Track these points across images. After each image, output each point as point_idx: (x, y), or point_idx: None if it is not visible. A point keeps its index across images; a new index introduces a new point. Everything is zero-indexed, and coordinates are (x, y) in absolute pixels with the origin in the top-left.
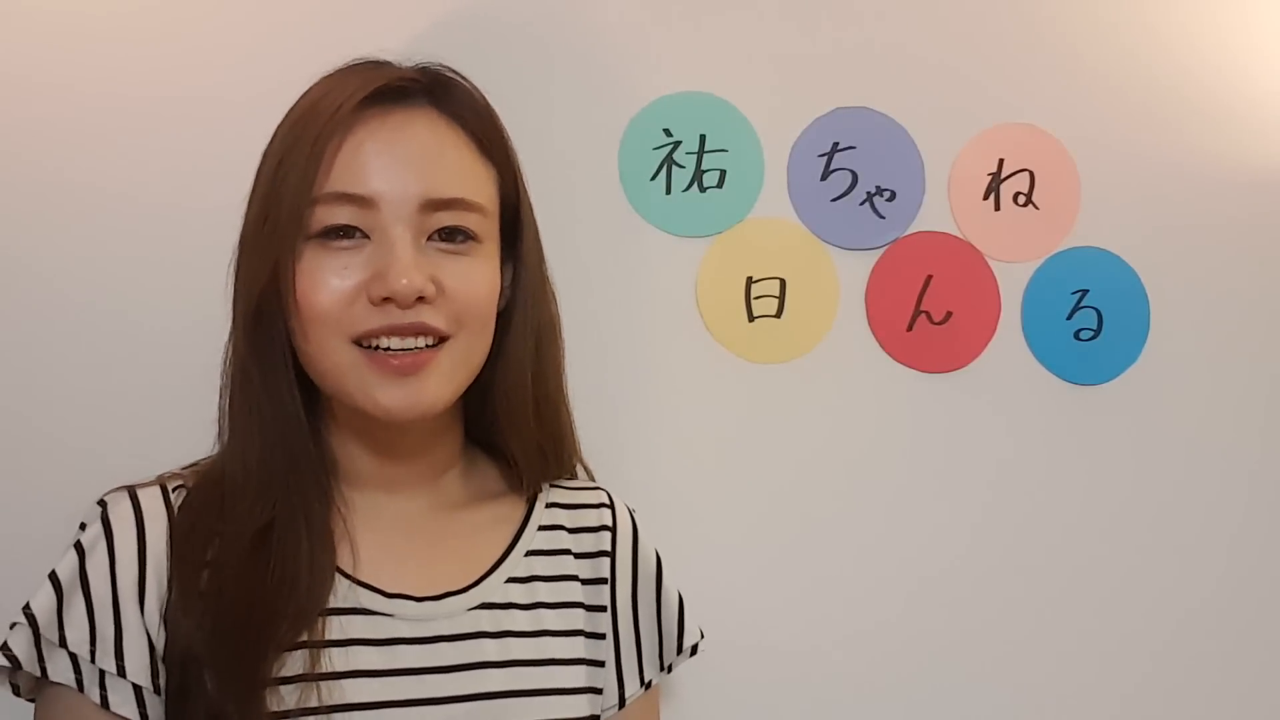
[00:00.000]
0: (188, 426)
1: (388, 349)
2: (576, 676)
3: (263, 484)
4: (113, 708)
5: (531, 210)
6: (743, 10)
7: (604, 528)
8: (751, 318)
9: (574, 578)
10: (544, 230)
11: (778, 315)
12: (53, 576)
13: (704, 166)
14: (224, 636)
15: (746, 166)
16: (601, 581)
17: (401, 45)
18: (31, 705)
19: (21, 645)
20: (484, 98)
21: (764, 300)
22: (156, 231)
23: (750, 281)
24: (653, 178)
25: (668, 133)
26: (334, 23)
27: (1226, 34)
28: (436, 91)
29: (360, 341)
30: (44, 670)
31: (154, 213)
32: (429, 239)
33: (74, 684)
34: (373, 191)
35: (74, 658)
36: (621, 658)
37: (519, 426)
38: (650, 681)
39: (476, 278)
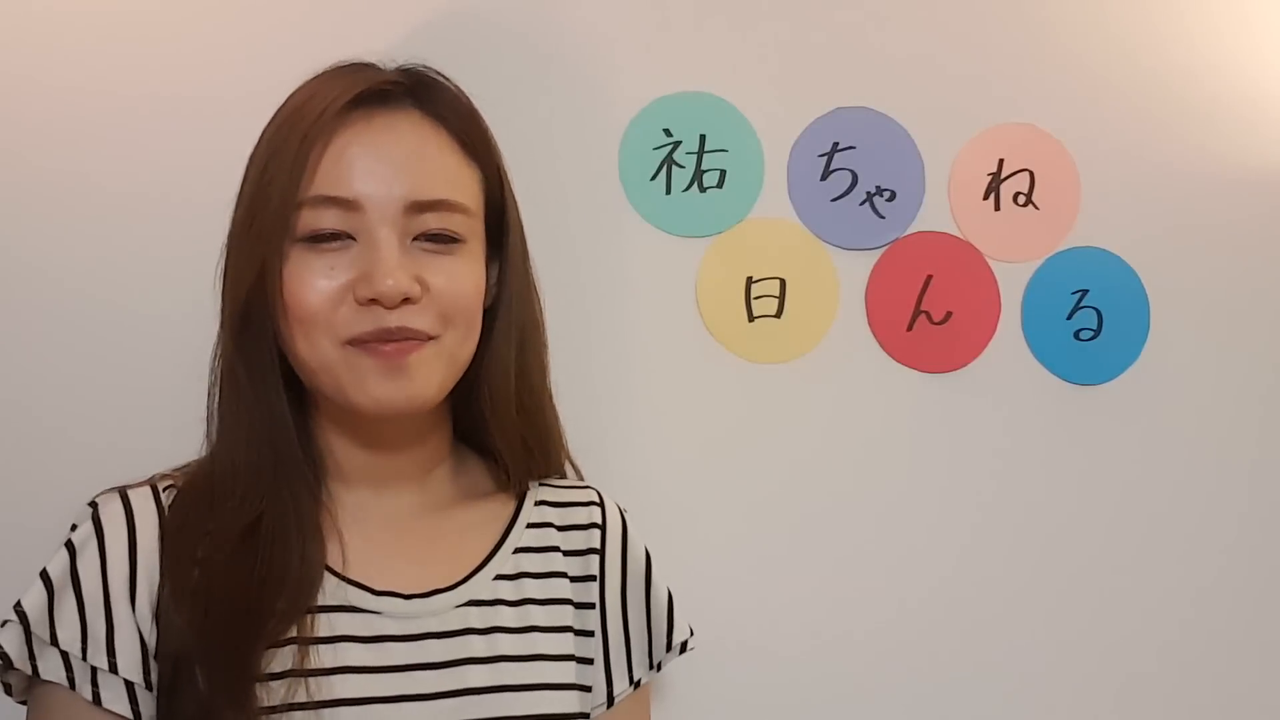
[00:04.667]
0: (180, 425)
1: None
2: (565, 673)
3: (251, 482)
4: (105, 704)
5: (517, 209)
6: (742, 10)
7: (593, 525)
8: (751, 318)
9: (563, 575)
10: (544, 230)
11: (778, 315)
12: (44, 575)
13: (704, 166)
14: (214, 632)
15: (746, 166)
16: (590, 579)
17: (400, 46)
18: (23, 708)
19: (13, 643)
20: (468, 99)
21: (764, 300)
22: (151, 231)
23: (750, 281)
24: (652, 178)
25: (668, 133)
26: (330, 24)
27: (1226, 34)
28: (420, 93)
29: (348, 344)
30: (35, 669)
31: (147, 212)
32: (414, 240)
33: (65, 682)
34: (357, 194)
35: (65, 656)
36: (610, 655)
37: (503, 422)
38: (639, 680)
39: (462, 277)
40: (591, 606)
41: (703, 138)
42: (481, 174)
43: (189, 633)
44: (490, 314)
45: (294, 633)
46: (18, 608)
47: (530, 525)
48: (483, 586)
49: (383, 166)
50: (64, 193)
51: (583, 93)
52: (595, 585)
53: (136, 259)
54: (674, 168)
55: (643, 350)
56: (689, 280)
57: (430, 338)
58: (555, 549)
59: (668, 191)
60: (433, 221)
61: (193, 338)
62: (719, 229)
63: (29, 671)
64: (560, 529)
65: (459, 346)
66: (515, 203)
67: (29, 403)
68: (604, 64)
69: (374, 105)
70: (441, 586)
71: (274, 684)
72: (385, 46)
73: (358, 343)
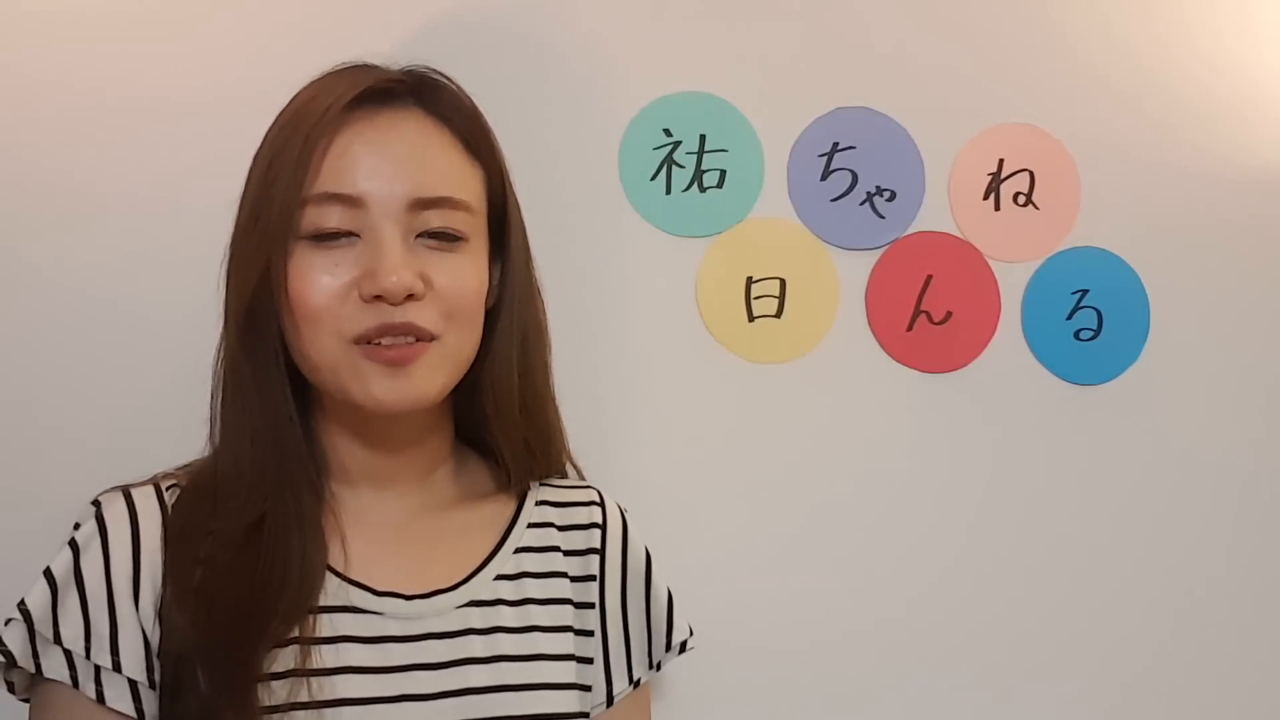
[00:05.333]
0: (183, 425)
1: (379, 343)
2: (565, 672)
3: (254, 481)
4: (108, 703)
5: (519, 210)
6: (743, 10)
7: (594, 525)
8: (751, 318)
9: (563, 575)
10: (544, 230)
11: (778, 315)
12: (47, 573)
13: (704, 166)
14: (216, 632)
15: (746, 166)
16: (590, 579)
17: (401, 47)
18: (25, 705)
19: (16, 641)
20: (470, 99)
21: (764, 300)
22: (153, 230)
23: (750, 281)
24: (652, 178)
25: (668, 133)
26: (332, 25)
27: (1226, 34)
28: (423, 93)
29: (354, 341)
30: (38, 667)
31: (149, 212)
32: (417, 237)
33: (68, 680)
34: (361, 191)
35: (68, 654)
36: (610, 655)
37: (505, 422)
38: (639, 680)
39: (465, 275)
40: (591, 606)
41: (703, 138)
42: (484, 173)
43: (191, 632)
44: (492, 314)
45: (296, 633)
46: (21, 606)
47: (531, 525)
48: (483, 586)
49: (386, 164)
50: (64, 193)
51: (583, 93)
52: (595, 585)
53: (138, 259)
54: (674, 168)
55: (643, 350)
56: (689, 280)
57: (433, 338)
58: (556, 549)
59: (668, 191)
60: (435, 219)
61: (195, 338)
62: (719, 229)
63: (32, 670)
64: (561, 529)
65: (461, 346)
66: (517, 203)
67: (29, 403)
68: (604, 64)
69: (377, 104)
70: (442, 587)
71: (276, 684)
72: (388, 48)
73: (362, 341)
